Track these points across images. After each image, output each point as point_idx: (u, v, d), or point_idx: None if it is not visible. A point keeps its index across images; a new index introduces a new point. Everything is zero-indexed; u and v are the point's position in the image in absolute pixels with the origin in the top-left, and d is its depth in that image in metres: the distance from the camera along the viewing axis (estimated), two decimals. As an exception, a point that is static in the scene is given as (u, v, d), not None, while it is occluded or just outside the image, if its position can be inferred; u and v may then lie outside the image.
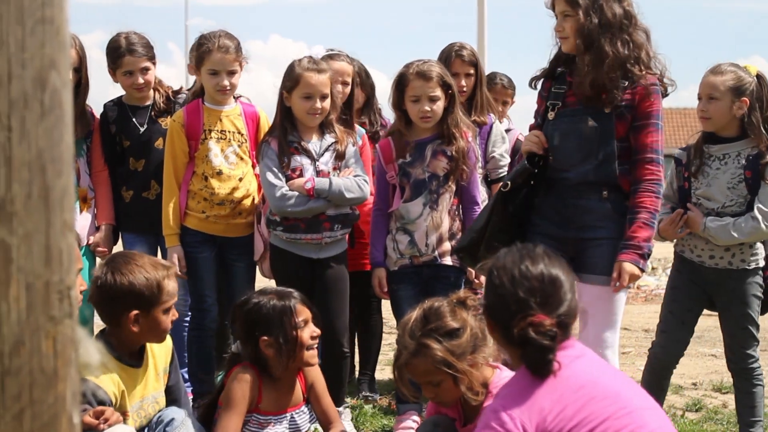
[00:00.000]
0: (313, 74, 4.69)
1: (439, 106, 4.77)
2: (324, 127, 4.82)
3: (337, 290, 4.86)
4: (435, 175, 4.80)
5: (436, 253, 4.78)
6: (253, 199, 5.03)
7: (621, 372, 2.96)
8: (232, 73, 4.89)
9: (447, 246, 4.78)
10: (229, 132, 4.96)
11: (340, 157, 4.79)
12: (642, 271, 3.98)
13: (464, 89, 5.24)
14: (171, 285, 3.62)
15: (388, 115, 5.31)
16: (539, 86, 4.32)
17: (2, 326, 1.32)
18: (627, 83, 4.01)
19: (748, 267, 4.45)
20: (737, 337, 4.52)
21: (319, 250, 4.80)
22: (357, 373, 5.81)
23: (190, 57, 5.49)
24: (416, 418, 4.76)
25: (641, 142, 4.00)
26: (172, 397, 3.84)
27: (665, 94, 4.16)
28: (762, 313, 4.56)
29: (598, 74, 3.95)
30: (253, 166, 5.04)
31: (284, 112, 4.79)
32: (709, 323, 9.48)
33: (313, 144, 4.79)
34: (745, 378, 4.55)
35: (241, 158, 4.99)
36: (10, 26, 1.31)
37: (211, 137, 4.92)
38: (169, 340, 3.87)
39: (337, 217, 4.77)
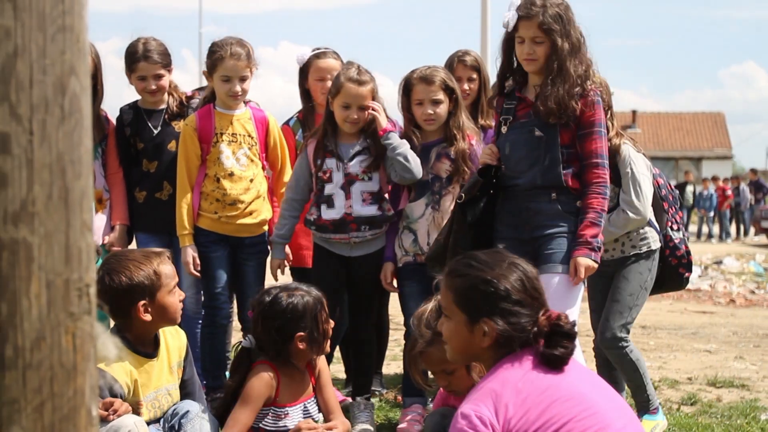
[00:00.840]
0: (353, 86, 4.75)
1: (443, 109, 4.79)
2: (364, 133, 4.88)
3: (367, 287, 4.94)
4: (438, 177, 4.82)
5: (439, 252, 4.81)
6: (264, 200, 5.05)
7: (588, 370, 2.94)
8: (243, 79, 4.91)
9: (450, 246, 4.81)
10: (239, 135, 4.99)
11: (373, 166, 4.84)
12: (595, 263, 4.12)
13: (468, 93, 5.25)
14: (167, 268, 3.65)
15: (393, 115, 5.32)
16: (495, 104, 4.51)
17: (24, 322, 1.32)
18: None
19: (640, 251, 4.63)
20: (607, 310, 4.63)
21: (350, 248, 4.87)
22: None
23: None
24: (421, 411, 4.77)
25: (587, 149, 4.18)
26: (186, 391, 3.86)
27: (608, 105, 4.43)
28: (653, 293, 4.76)
29: (562, 91, 4.12)
30: (263, 168, 5.07)
31: (328, 115, 4.86)
32: (703, 320, 9.51)
33: (346, 147, 4.84)
34: (613, 354, 4.64)
35: (252, 160, 5.01)
36: (32, 33, 1.31)
37: (222, 140, 4.95)
38: (182, 335, 3.88)
39: (362, 219, 4.80)
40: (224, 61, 4.85)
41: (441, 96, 4.78)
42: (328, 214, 4.80)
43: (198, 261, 4.94)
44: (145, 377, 3.61)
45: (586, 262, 4.09)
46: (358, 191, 4.81)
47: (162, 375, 3.71)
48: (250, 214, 4.99)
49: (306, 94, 5.36)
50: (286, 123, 5.46)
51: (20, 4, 1.30)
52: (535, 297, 2.74)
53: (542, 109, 4.13)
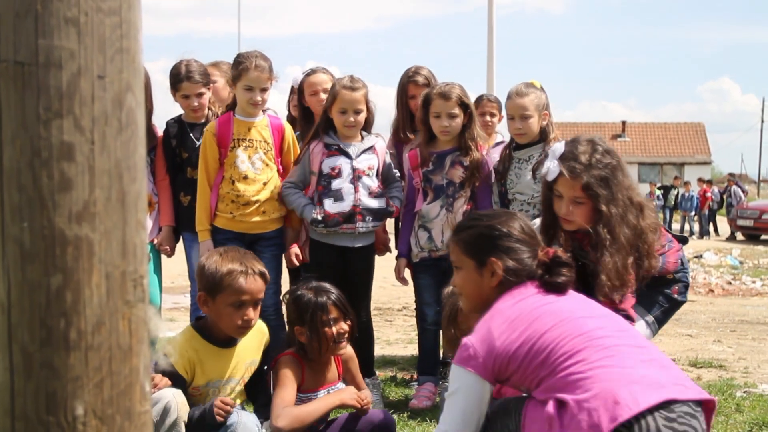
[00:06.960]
0: (347, 92, 4.75)
1: (458, 122, 4.79)
2: (363, 132, 4.90)
3: (364, 275, 4.91)
4: (452, 182, 4.82)
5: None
6: (278, 200, 4.92)
7: (596, 306, 2.74)
8: (264, 90, 4.85)
9: (461, 243, 4.80)
10: (256, 141, 4.88)
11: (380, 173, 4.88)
12: None
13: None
14: (242, 283, 3.41)
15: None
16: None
17: (86, 309, 1.34)
18: None
19: None
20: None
21: (353, 239, 4.82)
22: None
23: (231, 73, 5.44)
24: (433, 389, 4.77)
25: None
26: (255, 383, 3.75)
27: None
28: None
29: (619, 262, 3.32)
30: (278, 172, 4.95)
31: (328, 121, 4.83)
32: (685, 308, 9.46)
33: (352, 146, 4.83)
34: None
35: (267, 164, 4.90)
36: (93, 55, 1.33)
37: (239, 145, 4.86)
38: (265, 333, 3.75)
39: (368, 210, 4.79)
40: (249, 72, 4.76)
41: (457, 110, 4.78)
42: (335, 207, 4.74)
43: None
44: (211, 364, 3.49)
45: None
46: (365, 185, 4.80)
47: (229, 367, 3.56)
48: (264, 212, 4.87)
49: (305, 111, 5.27)
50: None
51: (83, 29, 1.32)
52: (533, 237, 2.82)
53: (605, 286, 3.29)
